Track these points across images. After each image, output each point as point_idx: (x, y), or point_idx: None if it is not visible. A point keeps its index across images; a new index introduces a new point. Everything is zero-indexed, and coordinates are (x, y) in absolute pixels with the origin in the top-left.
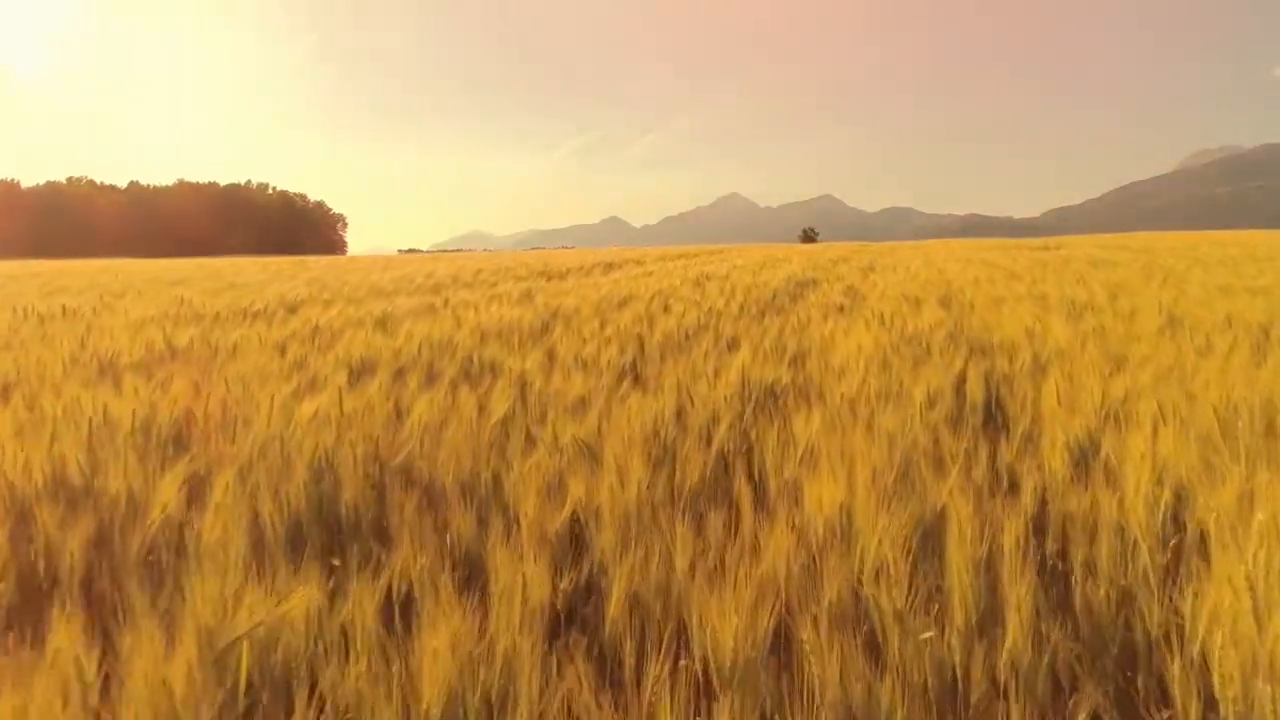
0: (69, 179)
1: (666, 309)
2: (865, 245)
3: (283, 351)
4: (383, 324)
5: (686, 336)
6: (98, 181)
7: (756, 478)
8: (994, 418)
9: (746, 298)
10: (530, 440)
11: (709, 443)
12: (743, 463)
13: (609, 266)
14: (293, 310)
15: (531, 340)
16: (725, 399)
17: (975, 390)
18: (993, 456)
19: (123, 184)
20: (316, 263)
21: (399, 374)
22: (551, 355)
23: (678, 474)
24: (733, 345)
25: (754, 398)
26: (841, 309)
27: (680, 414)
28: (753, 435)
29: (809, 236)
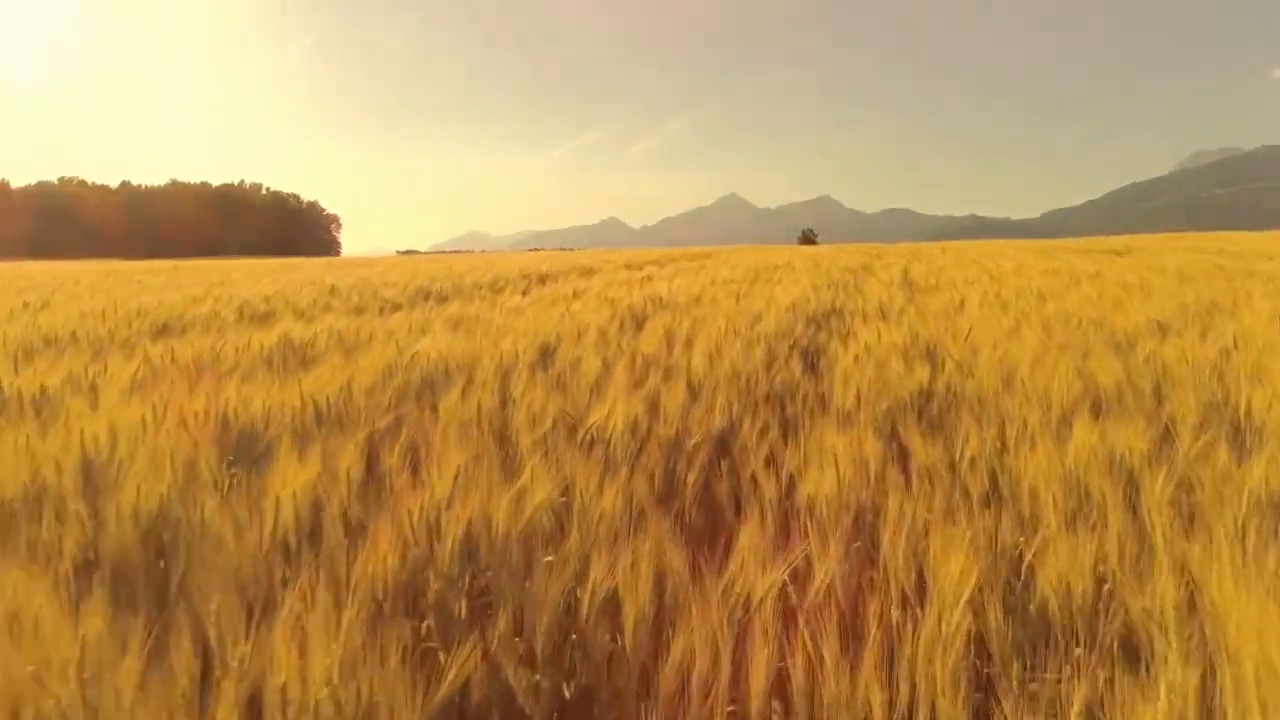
0: (60, 179)
1: (505, 404)
2: (882, 248)
3: None
4: None
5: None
6: (89, 181)
7: None
8: None
9: (711, 366)
10: None
11: None
12: None
13: (541, 279)
14: None
15: None
16: None
17: None
18: None
19: (115, 184)
20: (187, 268)
21: None
22: None
23: None
24: None
25: None
26: (935, 409)
27: None
28: None
29: (808, 238)
